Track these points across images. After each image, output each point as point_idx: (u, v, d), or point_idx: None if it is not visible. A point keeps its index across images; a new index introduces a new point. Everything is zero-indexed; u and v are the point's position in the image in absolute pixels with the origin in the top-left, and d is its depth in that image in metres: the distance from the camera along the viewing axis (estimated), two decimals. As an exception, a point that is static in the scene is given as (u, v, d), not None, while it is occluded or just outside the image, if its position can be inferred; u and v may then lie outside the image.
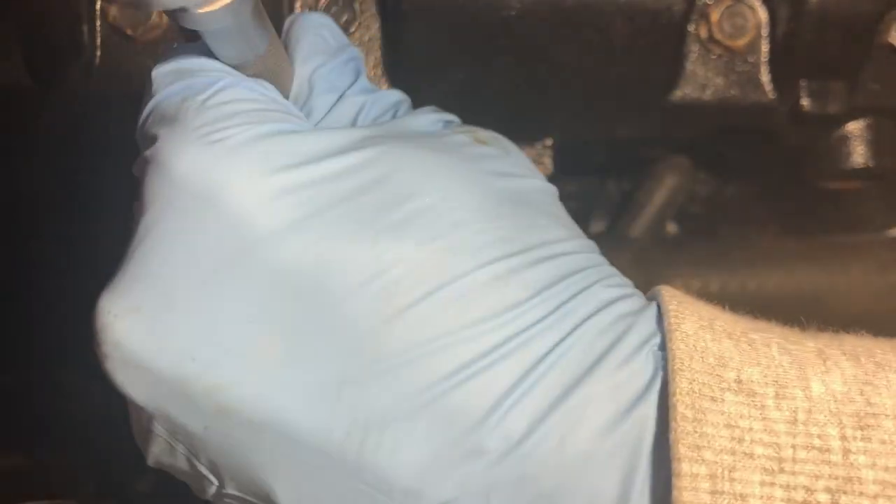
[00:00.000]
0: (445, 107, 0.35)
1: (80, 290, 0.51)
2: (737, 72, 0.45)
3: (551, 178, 0.49)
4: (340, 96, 0.33)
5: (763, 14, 0.44)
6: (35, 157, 0.49)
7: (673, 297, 0.28)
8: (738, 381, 0.25)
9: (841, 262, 0.53)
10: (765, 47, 0.45)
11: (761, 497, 0.23)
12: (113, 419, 0.49)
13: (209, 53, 0.29)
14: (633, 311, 0.28)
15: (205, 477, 0.28)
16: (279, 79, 0.32)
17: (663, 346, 0.27)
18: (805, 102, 0.45)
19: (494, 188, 0.30)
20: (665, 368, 0.26)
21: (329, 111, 0.33)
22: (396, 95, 0.35)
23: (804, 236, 0.56)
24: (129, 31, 0.42)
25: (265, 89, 0.30)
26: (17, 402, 0.51)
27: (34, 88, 0.43)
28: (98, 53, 0.42)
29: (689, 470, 0.23)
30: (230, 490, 0.28)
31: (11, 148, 0.49)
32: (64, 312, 0.51)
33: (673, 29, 0.43)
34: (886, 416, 0.24)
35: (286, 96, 0.33)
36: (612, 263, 0.43)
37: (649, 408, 0.26)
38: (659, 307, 0.28)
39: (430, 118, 0.34)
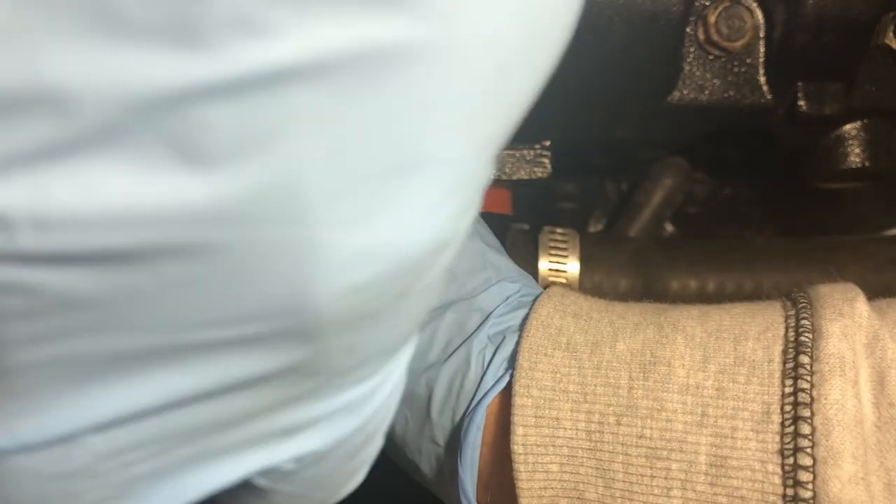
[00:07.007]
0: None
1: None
2: (734, 73, 0.45)
3: (550, 179, 0.49)
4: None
5: (760, 16, 0.45)
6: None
7: (548, 293, 0.37)
8: (568, 344, 0.34)
9: (838, 262, 0.53)
10: (762, 49, 0.45)
11: (570, 419, 0.32)
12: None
13: None
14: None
15: None
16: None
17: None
18: (802, 103, 0.45)
19: None
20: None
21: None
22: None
23: (801, 236, 0.56)
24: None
25: None
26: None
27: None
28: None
29: (520, 402, 0.33)
30: None
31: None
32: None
33: (671, 31, 0.43)
34: (662, 363, 0.32)
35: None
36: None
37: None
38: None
39: None
